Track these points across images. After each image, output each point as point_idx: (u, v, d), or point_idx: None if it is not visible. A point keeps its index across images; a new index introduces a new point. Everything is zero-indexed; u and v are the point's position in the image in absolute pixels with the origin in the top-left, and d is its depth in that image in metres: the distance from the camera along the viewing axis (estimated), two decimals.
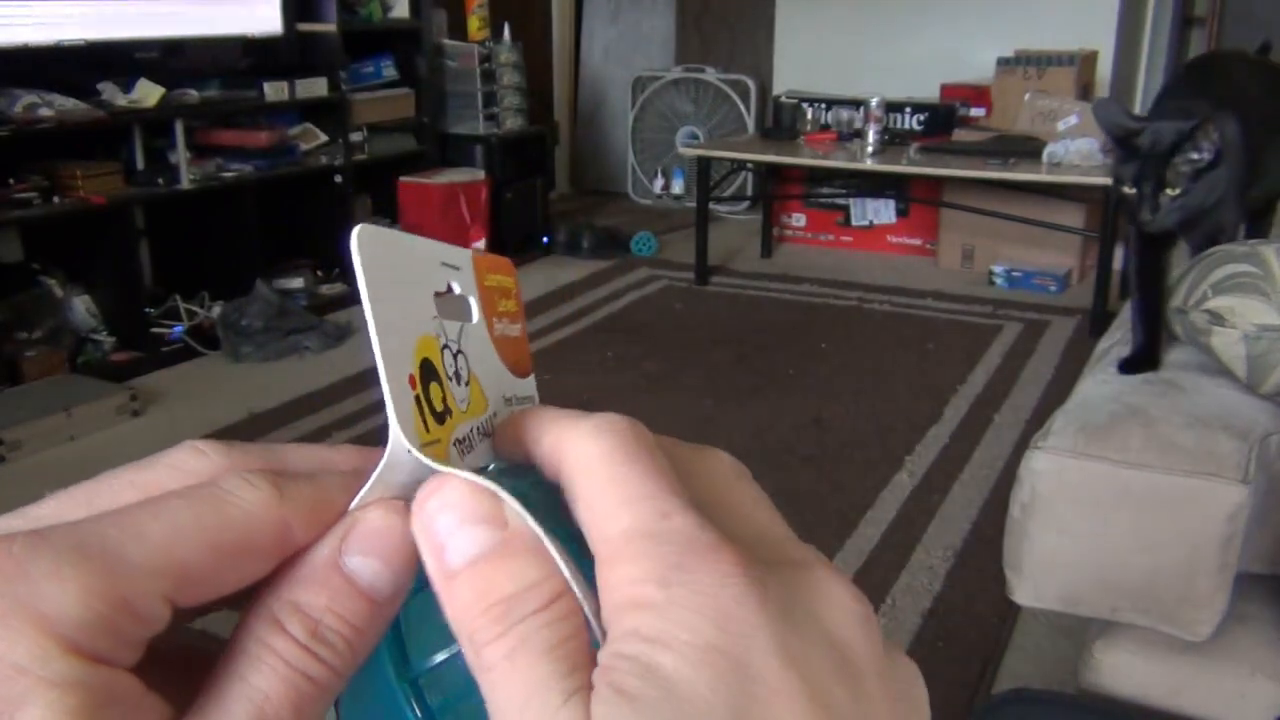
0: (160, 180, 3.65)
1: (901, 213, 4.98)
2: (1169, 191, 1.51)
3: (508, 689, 0.20)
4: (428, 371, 0.23)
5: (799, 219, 5.23)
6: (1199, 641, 1.35)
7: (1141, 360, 1.54)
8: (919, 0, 5.04)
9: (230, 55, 3.99)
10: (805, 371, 3.49)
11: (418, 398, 0.23)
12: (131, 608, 0.18)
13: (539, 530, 0.21)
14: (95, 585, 0.18)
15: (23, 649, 0.17)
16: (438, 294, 0.25)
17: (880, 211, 5.05)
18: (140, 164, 3.64)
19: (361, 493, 0.22)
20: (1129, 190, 1.54)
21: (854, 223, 5.11)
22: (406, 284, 0.23)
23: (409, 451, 0.22)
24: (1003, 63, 4.66)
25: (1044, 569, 1.41)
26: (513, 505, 0.22)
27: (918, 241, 4.95)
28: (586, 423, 0.23)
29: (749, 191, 5.46)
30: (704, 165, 4.51)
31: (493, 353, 0.27)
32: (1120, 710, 1.44)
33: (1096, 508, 1.37)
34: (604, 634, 0.21)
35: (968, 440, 2.95)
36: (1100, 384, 1.54)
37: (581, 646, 0.21)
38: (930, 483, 2.68)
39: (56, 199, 3.36)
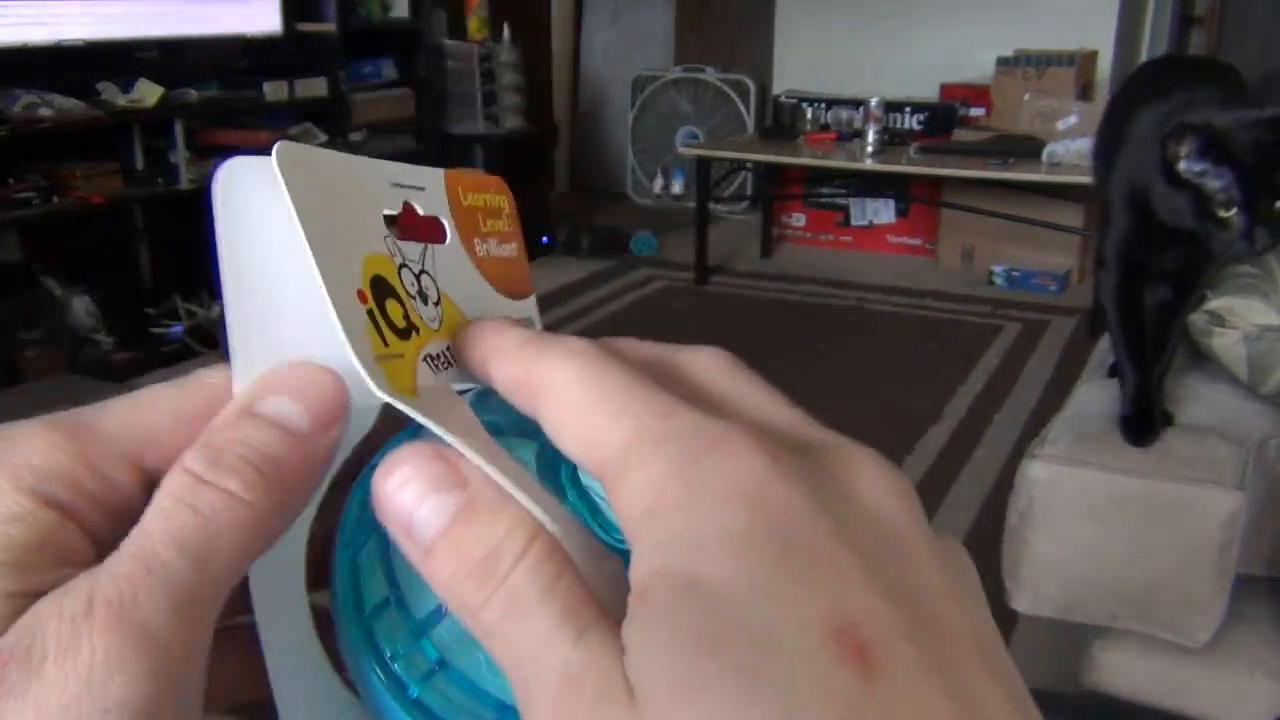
0: (160, 180, 3.65)
1: (901, 213, 4.98)
2: None
3: (516, 651, 0.19)
4: (381, 288, 0.22)
5: (799, 219, 5.23)
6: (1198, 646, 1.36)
7: (1143, 418, 1.38)
8: (919, 0, 5.04)
9: (230, 55, 3.99)
10: (805, 371, 3.49)
11: (370, 312, 0.21)
12: (90, 462, 0.20)
13: (497, 475, 0.20)
14: (59, 442, 0.20)
15: None
16: (392, 216, 0.23)
17: (880, 211, 5.04)
18: (140, 164, 3.64)
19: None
20: (1227, 214, 1.20)
21: (854, 223, 5.11)
22: (345, 203, 0.22)
23: (358, 367, 0.20)
24: (1002, 63, 4.65)
25: (1042, 577, 1.41)
26: (467, 452, 0.20)
27: (917, 241, 4.95)
28: (556, 348, 0.21)
29: (749, 191, 5.46)
30: (704, 165, 4.51)
31: (474, 274, 0.25)
32: (1120, 710, 1.44)
33: (1093, 515, 1.37)
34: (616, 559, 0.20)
35: (967, 440, 2.95)
36: (1096, 390, 1.54)
37: (575, 581, 0.19)
38: (930, 483, 2.68)
39: (56, 199, 3.36)
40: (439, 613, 0.22)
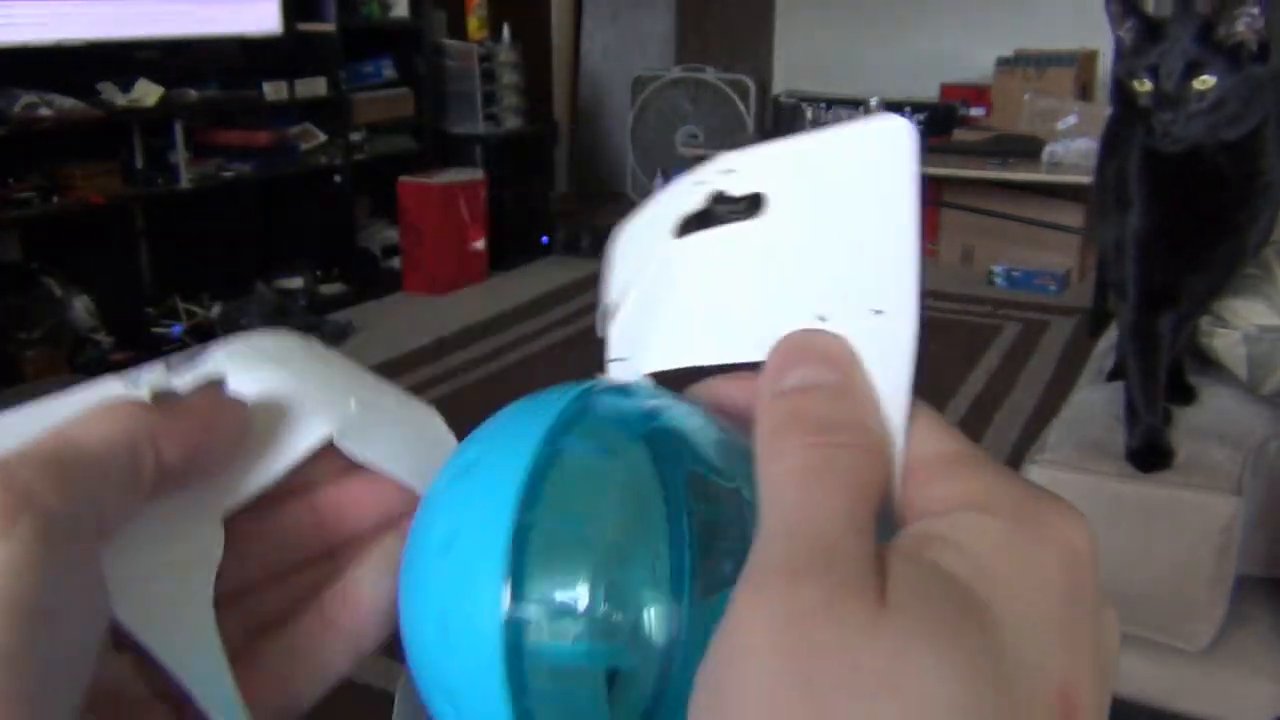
0: (160, 180, 3.65)
1: None
2: (1198, 83, 1.17)
3: (803, 503, 0.19)
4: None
5: None
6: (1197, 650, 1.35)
7: (1154, 452, 1.35)
8: (919, 0, 5.04)
9: (230, 55, 3.99)
10: None
11: None
12: None
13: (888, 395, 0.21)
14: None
15: None
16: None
17: None
18: (140, 164, 3.64)
19: None
20: (1142, 86, 1.22)
21: None
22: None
23: None
24: (1002, 63, 4.65)
25: None
26: (864, 365, 0.22)
27: None
28: None
29: None
30: None
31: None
32: (1120, 711, 1.44)
33: (1093, 521, 1.35)
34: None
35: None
36: (1095, 393, 1.54)
37: (879, 509, 0.20)
38: None
39: (56, 199, 3.36)
40: None
